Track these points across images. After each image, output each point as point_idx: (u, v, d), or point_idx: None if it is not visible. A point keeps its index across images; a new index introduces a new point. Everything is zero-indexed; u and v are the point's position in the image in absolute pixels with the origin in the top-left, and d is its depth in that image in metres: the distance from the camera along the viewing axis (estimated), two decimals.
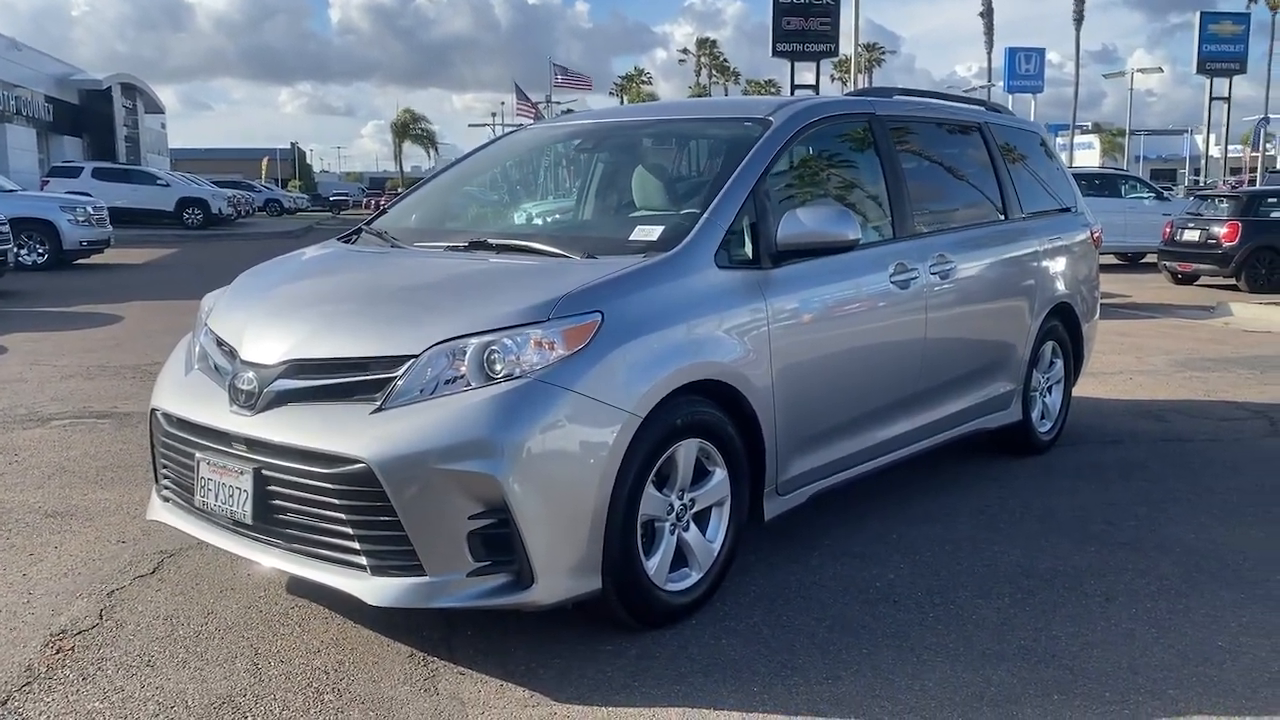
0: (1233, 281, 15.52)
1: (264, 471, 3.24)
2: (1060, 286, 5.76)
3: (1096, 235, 6.42)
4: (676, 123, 4.76)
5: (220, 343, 3.66)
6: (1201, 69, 49.67)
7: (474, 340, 3.17)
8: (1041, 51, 55.79)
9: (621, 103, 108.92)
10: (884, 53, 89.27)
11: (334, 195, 79.93)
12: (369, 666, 3.26)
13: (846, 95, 5.03)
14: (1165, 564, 4.13)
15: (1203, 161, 58.28)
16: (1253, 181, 38.25)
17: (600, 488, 3.17)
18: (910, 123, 4.97)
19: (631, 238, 3.74)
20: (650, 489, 3.37)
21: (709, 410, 3.53)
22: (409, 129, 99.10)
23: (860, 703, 3.03)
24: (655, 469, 3.37)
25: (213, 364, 3.67)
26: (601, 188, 4.48)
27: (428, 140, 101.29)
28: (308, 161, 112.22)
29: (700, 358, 3.50)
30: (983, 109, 5.87)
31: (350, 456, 3.07)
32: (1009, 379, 5.38)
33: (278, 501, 3.24)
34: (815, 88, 43.71)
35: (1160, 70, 56.90)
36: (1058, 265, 5.75)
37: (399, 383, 3.15)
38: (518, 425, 3.06)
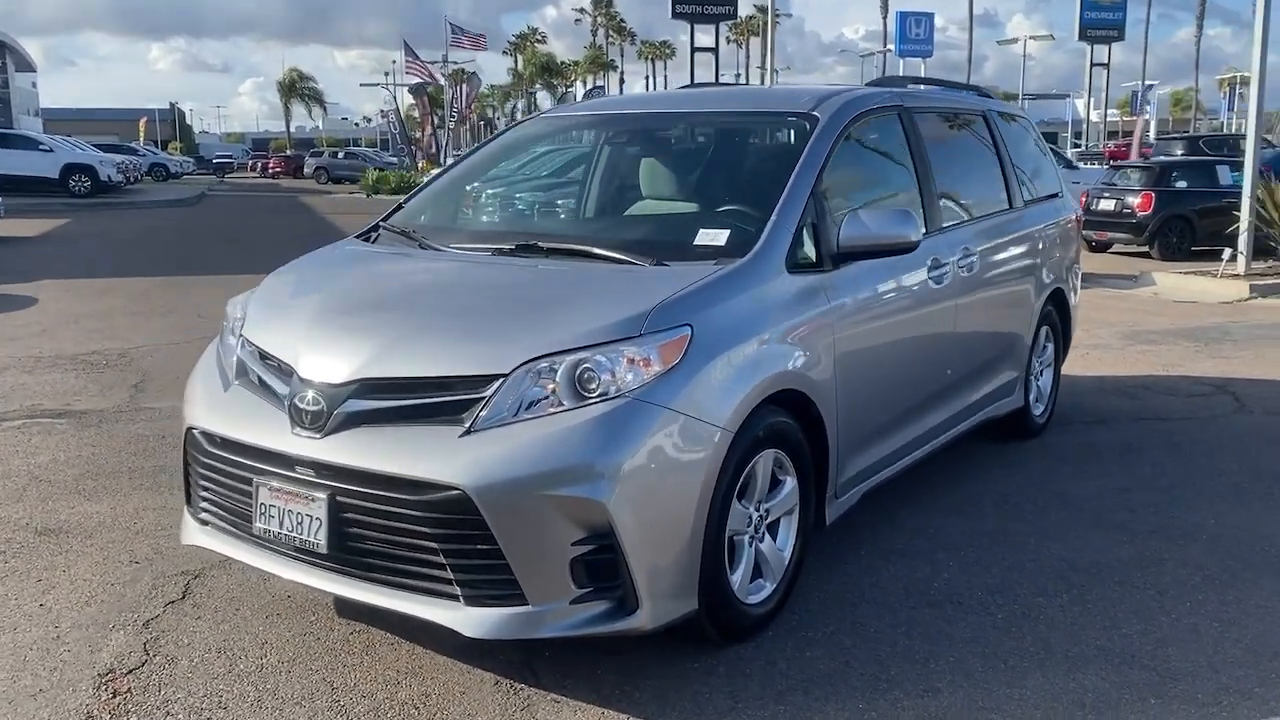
0: (1146, 249, 16.12)
1: (340, 498, 3.06)
2: (1055, 272, 5.85)
3: (1079, 218, 6.54)
4: (715, 115, 4.62)
5: (264, 356, 3.45)
6: (1083, 35, 51.24)
7: (566, 358, 3.04)
8: (930, 16, 56.60)
9: (516, 63, 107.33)
10: (780, 16, 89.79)
11: (217, 158, 76.79)
12: (457, 697, 3.12)
13: (869, 86, 4.96)
14: (1199, 553, 4.24)
15: (1084, 126, 60.33)
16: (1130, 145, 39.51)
17: (699, 506, 3.09)
18: (930, 114, 4.95)
19: (697, 242, 3.62)
20: (734, 503, 3.30)
21: (784, 419, 3.46)
22: (295, 88, 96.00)
23: (967, 716, 3.03)
24: (740, 483, 3.30)
25: (256, 379, 3.45)
26: (642, 185, 4.33)
27: (315, 100, 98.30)
28: (187, 122, 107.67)
29: (782, 367, 3.43)
30: (984, 97, 5.89)
31: (444, 483, 2.92)
32: (1015, 366, 5.46)
33: (357, 529, 3.07)
34: (715, 50, 43.70)
35: (1051, 38, 58.13)
36: (1052, 251, 5.84)
37: (488, 404, 3.00)
38: (621, 448, 2.94)
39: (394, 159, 55.37)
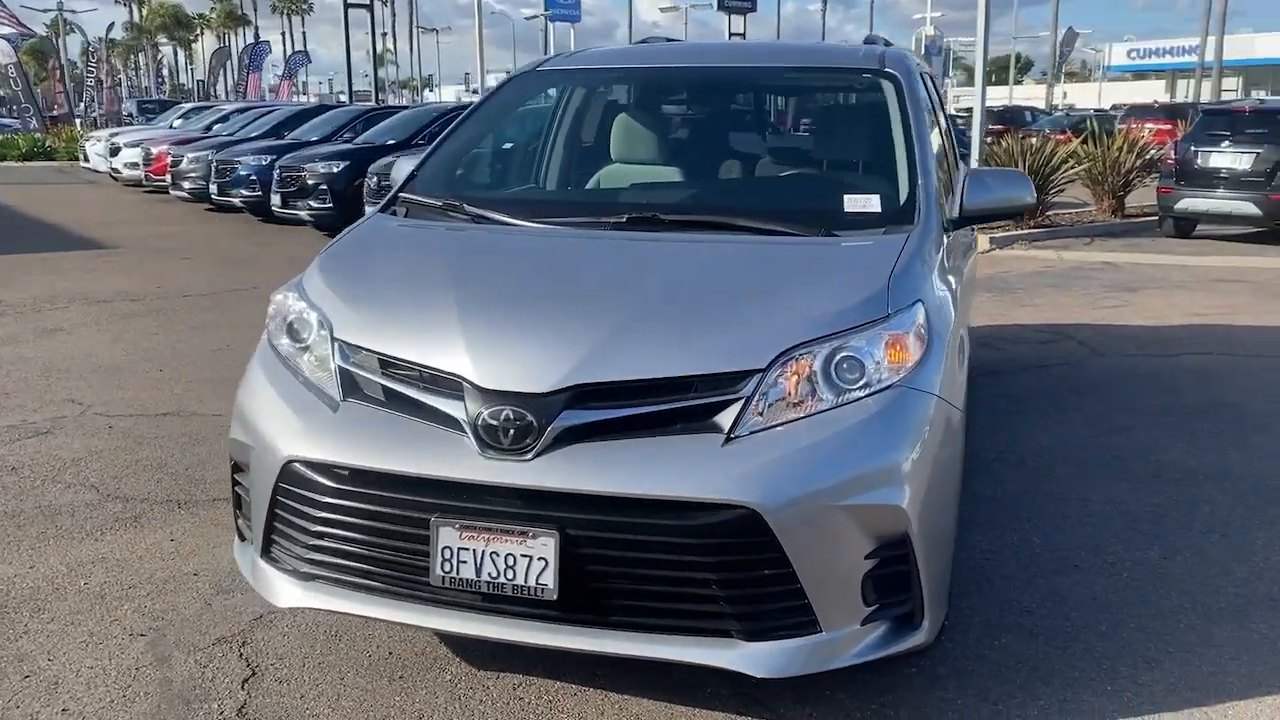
0: None
1: (573, 531, 2.51)
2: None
3: None
4: (779, 71, 4.23)
5: (391, 364, 2.77)
6: (721, 6, 54.33)
7: (824, 345, 2.65)
8: None
9: (133, 14, 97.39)
10: None
11: None
12: None
13: (870, 42, 4.79)
14: (1244, 500, 4.50)
15: None
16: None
17: (955, 500, 2.83)
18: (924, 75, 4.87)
19: (849, 209, 3.30)
20: None
21: None
22: None
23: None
24: None
25: (384, 393, 2.77)
26: (721, 147, 3.90)
27: None
28: None
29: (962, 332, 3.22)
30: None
31: (725, 502, 2.46)
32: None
33: (597, 567, 2.53)
34: (369, 7, 41.77)
35: (712, 7, 60.63)
36: None
37: (748, 404, 2.57)
38: (909, 444, 2.62)
39: (12, 120, 48.56)
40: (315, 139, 15.47)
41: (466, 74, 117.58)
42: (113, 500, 4.37)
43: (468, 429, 2.60)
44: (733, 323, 2.72)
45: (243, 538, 3.12)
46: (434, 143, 3.97)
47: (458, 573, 2.58)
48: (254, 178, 14.71)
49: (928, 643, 2.70)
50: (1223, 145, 13.13)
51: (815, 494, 2.49)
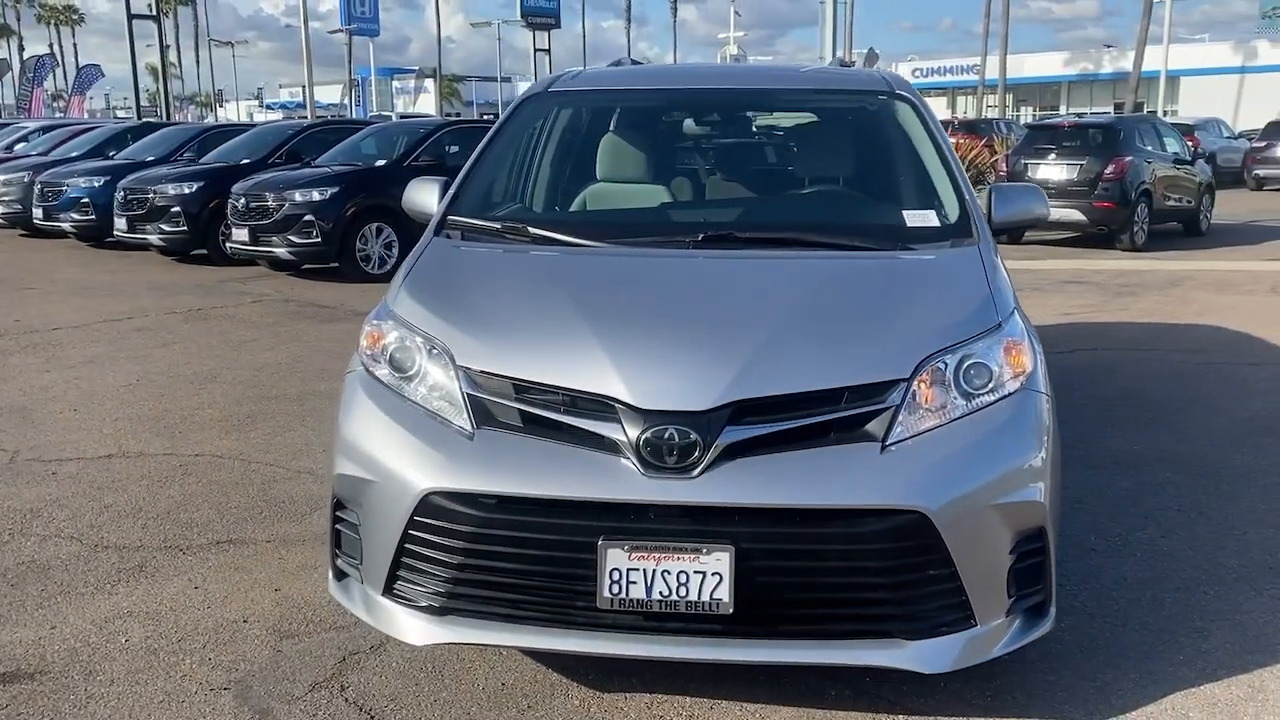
0: None
1: (747, 544, 2.55)
2: None
3: None
4: (800, 94, 4.32)
5: (528, 389, 2.73)
6: (527, 23, 54.74)
7: (956, 353, 2.80)
8: None
9: None
10: None
11: None
12: None
13: (843, 65, 4.99)
14: (1199, 480, 4.93)
15: None
16: None
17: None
18: None
19: (911, 224, 3.47)
20: None
21: None
22: None
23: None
24: None
25: (523, 419, 2.73)
26: (763, 166, 3.98)
27: None
28: None
29: None
30: None
31: (895, 508, 2.57)
32: None
33: (771, 579, 2.58)
34: (156, 18, 39.63)
35: (523, 23, 60.79)
36: None
37: (898, 411, 2.68)
38: (1039, 443, 2.81)
39: None
40: (152, 159, 14.60)
41: (260, 88, 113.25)
42: (104, 550, 4.06)
43: (628, 450, 2.60)
44: (873, 335, 2.83)
45: (342, 576, 3.00)
46: (464, 169, 3.88)
47: (627, 594, 2.57)
48: (86, 200, 13.77)
49: (1051, 630, 2.88)
50: (1049, 158, 14.24)
51: (973, 495, 2.63)
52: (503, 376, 2.77)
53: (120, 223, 12.73)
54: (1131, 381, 6.71)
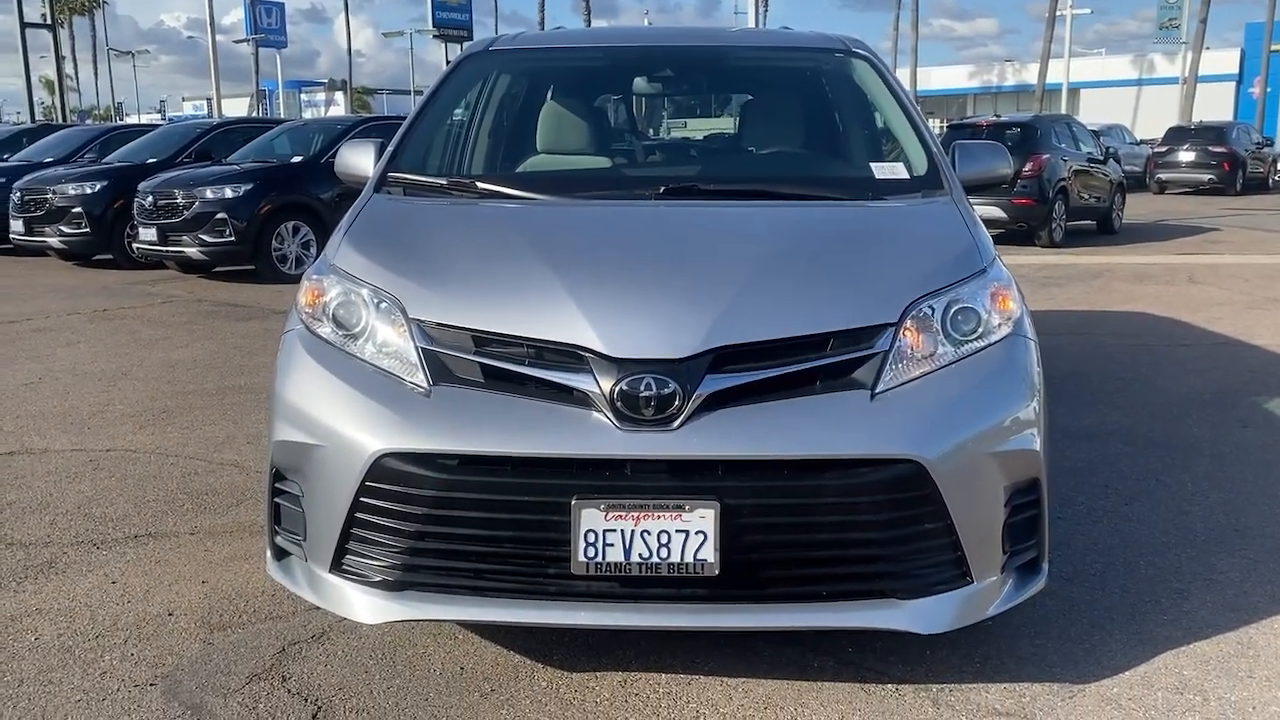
0: None
1: (732, 500, 2.36)
2: None
3: None
4: (755, 51, 4.15)
5: (489, 341, 2.51)
6: (439, 34, 54.11)
7: (942, 297, 2.65)
8: (282, 6, 55.00)
9: None
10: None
11: None
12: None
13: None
14: (1150, 451, 4.89)
15: None
16: None
17: None
18: None
19: (879, 176, 3.33)
20: None
21: None
22: None
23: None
24: None
25: (485, 372, 2.50)
26: (720, 121, 3.79)
27: None
28: None
29: None
30: None
31: (888, 457, 2.40)
32: None
33: (759, 537, 2.39)
34: (51, 27, 38.21)
35: (435, 33, 60.25)
36: None
37: (887, 358, 2.52)
38: (1032, 389, 2.68)
39: None
40: (50, 160, 13.93)
41: (162, 101, 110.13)
42: (7, 548, 3.70)
43: (601, 402, 2.40)
44: (856, 279, 2.67)
45: (283, 554, 2.73)
46: (401, 127, 3.64)
47: (604, 557, 2.36)
48: None
49: (1043, 587, 2.74)
50: None
51: (970, 443, 2.49)
52: (461, 328, 2.54)
53: (16, 225, 12.08)
54: (1069, 364, 6.71)
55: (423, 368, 2.53)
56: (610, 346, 2.42)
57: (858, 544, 2.44)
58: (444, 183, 3.31)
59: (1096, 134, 21.04)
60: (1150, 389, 6.02)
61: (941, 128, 15.96)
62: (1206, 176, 24.92)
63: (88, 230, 11.71)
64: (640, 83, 4.23)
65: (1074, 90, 48.13)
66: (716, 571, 2.36)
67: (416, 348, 2.55)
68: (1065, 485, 4.31)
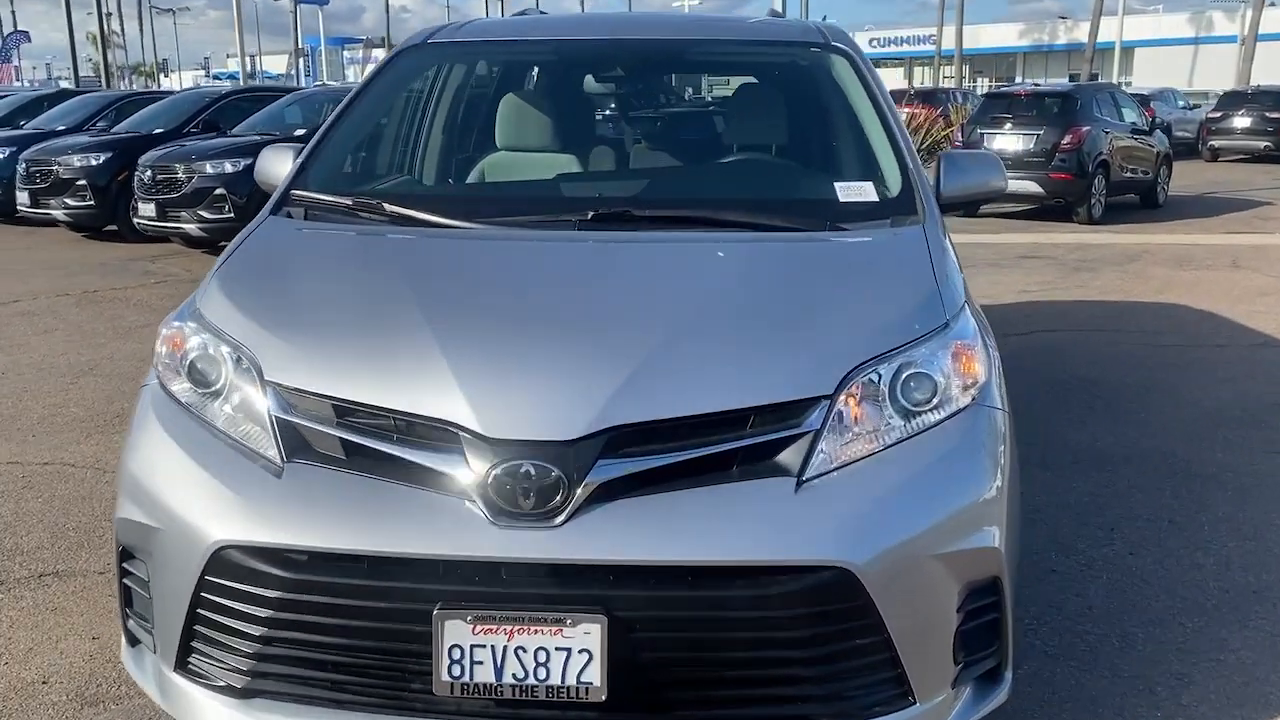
0: None
1: (623, 613, 1.99)
2: None
3: None
4: (717, 45, 3.72)
5: (352, 412, 2.15)
6: None
7: (890, 362, 2.25)
8: None
9: None
10: None
11: None
12: None
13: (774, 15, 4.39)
14: (1166, 482, 4.46)
15: None
16: None
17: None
18: None
19: (844, 199, 2.91)
20: None
21: None
22: None
23: None
24: None
25: (346, 449, 2.14)
26: (670, 130, 3.39)
27: None
28: None
29: None
30: None
31: (814, 563, 2.02)
32: None
33: (655, 654, 2.03)
34: None
35: None
36: None
37: (819, 438, 2.13)
38: (993, 472, 2.26)
39: None
40: (62, 128, 13.73)
41: (206, 58, 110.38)
42: None
43: (473, 491, 2.03)
44: (787, 340, 2.26)
45: (135, 641, 2.41)
46: (319, 132, 3.29)
47: (471, 676, 2.01)
48: None
49: (1007, 699, 2.35)
50: (1005, 128, 13.77)
51: (911, 544, 2.09)
52: (319, 395, 2.18)
53: (22, 197, 11.88)
54: (1091, 367, 6.24)
55: (276, 441, 2.18)
56: (485, 423, 2.05)
57: (775, 663, 2.06)
58: (349, 203, 2.93)
59: (1145, 99, 20.21)
60: (1174, 400, 5.55)
61: (986, 90, 15.19)
62: (1263, 144, 23.89)
63: (92, 203, 11.49)
64: (590, 82, 3.82)
65: (1127, 50, 46.56)
66: (604, 696, 2.00)
67: (270, 416, 2.20)
68: (1066, 527, 3.90)
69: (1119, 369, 6.19)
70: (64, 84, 41.81)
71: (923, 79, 63.28)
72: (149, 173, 10.41)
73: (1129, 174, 14.22)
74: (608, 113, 3.81)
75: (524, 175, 3.31)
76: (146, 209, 10.45)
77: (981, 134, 13.83)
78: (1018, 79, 60.54)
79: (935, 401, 2.25)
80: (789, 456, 2.11)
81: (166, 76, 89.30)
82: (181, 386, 2.35)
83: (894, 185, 2.97)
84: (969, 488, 2.20)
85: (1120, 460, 4.63)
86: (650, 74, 3.87)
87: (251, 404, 2.24)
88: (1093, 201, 13.31)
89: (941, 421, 2.24)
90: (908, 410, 2.24)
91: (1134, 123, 14.75)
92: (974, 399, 2.30)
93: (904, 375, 2.25)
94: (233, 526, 2.09)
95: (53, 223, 12.30)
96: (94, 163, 11.55)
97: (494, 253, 2.71)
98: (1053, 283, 9.23)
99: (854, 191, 2.92)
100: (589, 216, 2.77)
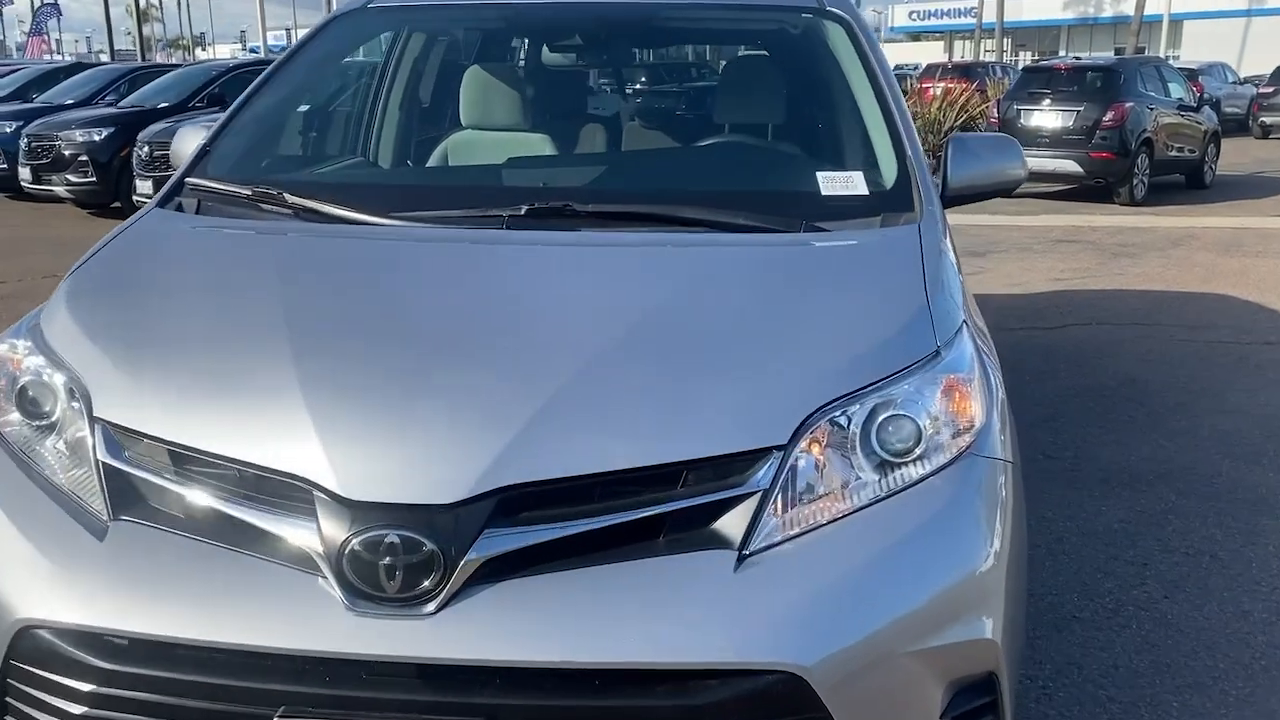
0: None
1: None
2: None
3: None
4: (692, 9, 3.25)
5: (191, 461, 1.75)
6: None
7: (863, 402, 1.81)
8: None
9: None
10: None
11: None
12: None
13: None
14: (1208, 507, 3.98)
15: None
16: None
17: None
18: None
19: (826, 192, 2.44)
20: None
21: None
22: None
23: None
24: None
25: (178, 507, 1.74)
26: (632, 109, 2.96)
27: None
28: None
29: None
30: None
31: (753, 667, 1.59)
32: None
33: None
34: None
35: None
36: None
37: (769, 500, 1.69)
38: (990, 541, 1.82)
39: None
40: (70, 102, 13.44)
41: (243, 31, 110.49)
42: None
43: (326, 565, 1.62)
44: (734, 374, 1.83)
45: None
46: (231, 107, 2.88)
47: None
48: None
49: None
50: (1043, 104, 13.13)
51: (880, 638, 1.66)
52: (154, 438, 1.78)
53: (24, 173, 11.60)
54: (1128, 366, 5.73)
55: (103, 491, 1.78)
56: (343, 481, 1.64)
57: None
58: (249, 193, 2.52)
59: (1193, 74, 19.39)
60: (1219, 407, 5.05)
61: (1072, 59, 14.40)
62: None
63: (94, 179, 11.19)
64: (548, 52, 3.37)
65: (1175, 21, 45.16)
66: None
67: (96, 460, 1.79)
68: (1092, 562, 3.44)
69: (1158, 369, 5.67)
70: (103, 57, 41.71)
71: (963, 53, 61.92)
72: (146, 149, 10.09)
73: (1174, 153, 13.52)
74: (568, 86, 3.37)
75: (485, 158, 2.89)
76: (144, 187, 10.13)
77: (1018, 110, 13.19)
78: (1061, 53, 59.09)
79: (919, 451, 1.81)
80: (730, 523, 1.68)
81: (204, 50, 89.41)
82: (9, 419, 1.96)
83: (888, 176, 2.51)
84: (958, 564, 1.75)
85: (1156, 479, 4.15)
86: (618, 44, 3.42)
87: (81, 445, 1.84)
88: (1135, 182, 12.65)
89: (926, 477, 1.80)
90: (884, 462, 1.80)
91: (1180, 98, 14.03)
92: (968, 447, 1.85)
93: (880, 418, 1.81)
94: (41, 602, 1.70)
95: (59, 199, 12.03)
96: (96, 138, 11.24)
97: (395, 259, 2.28)
98: (1089, 269, 8.67)
99: (840, 183, 2.45)
100: (523, 211, 2.34)
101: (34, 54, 40.40)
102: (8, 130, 12.65)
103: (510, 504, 1.63)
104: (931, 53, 66.60)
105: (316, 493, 1.64)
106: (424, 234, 2.32)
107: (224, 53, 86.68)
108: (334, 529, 1.62)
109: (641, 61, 3.62)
